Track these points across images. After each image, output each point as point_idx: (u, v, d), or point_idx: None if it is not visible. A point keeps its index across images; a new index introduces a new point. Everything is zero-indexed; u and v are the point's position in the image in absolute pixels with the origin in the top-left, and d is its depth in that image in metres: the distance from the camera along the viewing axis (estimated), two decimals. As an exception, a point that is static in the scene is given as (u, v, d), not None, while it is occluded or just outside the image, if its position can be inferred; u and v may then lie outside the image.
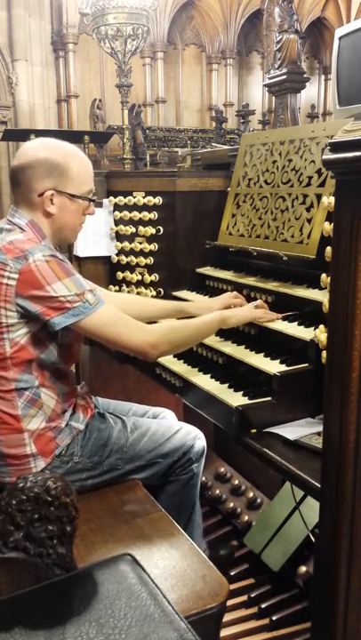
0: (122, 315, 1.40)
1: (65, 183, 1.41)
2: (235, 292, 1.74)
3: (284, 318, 1.54)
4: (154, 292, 2.11)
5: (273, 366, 1.38)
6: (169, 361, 1.68)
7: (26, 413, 1.37)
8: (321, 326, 1.29)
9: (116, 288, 2.23)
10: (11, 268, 1.30)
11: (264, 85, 2.98)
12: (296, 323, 1.48)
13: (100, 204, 2.17)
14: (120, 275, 2.21)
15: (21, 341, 1.34)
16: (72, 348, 1.46)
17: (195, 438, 1.57)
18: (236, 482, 2.11)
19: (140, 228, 2.13)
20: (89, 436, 1.47)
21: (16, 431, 1.37)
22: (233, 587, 1.68)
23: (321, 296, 1.43)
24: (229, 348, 1.56)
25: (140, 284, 2.16)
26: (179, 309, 1.71)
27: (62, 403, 1.44)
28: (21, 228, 1.39)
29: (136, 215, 2.13)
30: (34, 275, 1.29)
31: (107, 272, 2.26)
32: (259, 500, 2.00)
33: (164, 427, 1.57)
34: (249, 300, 1.69)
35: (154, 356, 1.42)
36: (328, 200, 1.44)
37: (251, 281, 1.75)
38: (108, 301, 1.41)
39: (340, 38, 2.22)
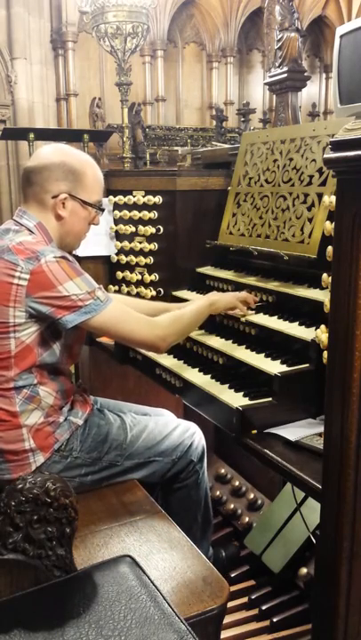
0: (130, 310, 1.43)
1: (79, 189, 1.44)
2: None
3: (256, 311, 1.60)
4: (154, 292, 2.10)
5: (274, 367, 1.37)
6: (169, 361, 1.68)
7: (24, 409, 1.37)
8: (322, 326, 1.29)
9: (116, 288, 2.23)
10: (22, 268, 1.31)
11: (265, 84, 2.96)
12: (297, 323, 1.48)
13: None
14: (120, 274, 2.21)
15: (27, 341, 1.35)
16: (73, 348, 1.47)
17: (192, 435, 1.57)
18: (237, 483, 2.10)
19: (140, 227, 2.12)
20: (88, 432, 1.47)
21: (14, 427, 1.37)
22: (233, 588, 1.68)
23: (322, 296, 1.42)
24: (230, 349, 1.56)
25: (139, 283, 2.16)
26: (164, 311, 1.71)
27: (61, 399, 1.44)
28: (30, 230, 1.41)
29: (136, 214, 2.12)
30: (46, 275, 1.31)
31: (106, 272, 2.26)
32: (259, 502, 1.99)
33: (162, 424, 1.57)
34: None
35: (163, 349, 1.46)
36: (329, 199, 1.43)
37: (251, 281, 1.75)
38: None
39: (341, 37, 2.21)
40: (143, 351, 1.77)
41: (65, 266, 1.33)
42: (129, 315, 1.41)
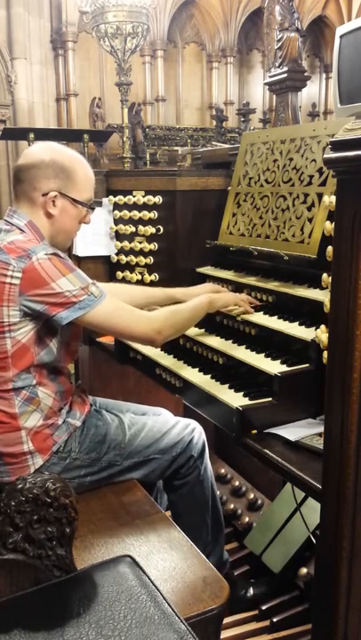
0: (124, 305, 1.43)
1: (69, 187, 1.43)
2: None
3: (257, 309, 1.61)
4: (154, 292, 2.10)
5: (274, 367, 1.37)
6: (169, 360, 1.68)
7: (23, 411, 1.37)
8: (322, 326, 1.29)
9: (116, 287, 2.22)
10: (14, 267, 1.30)
11: (265, 84, 2.97)
12: (297, 323, 1.48)
13: (99, 204, 2.17)
14: (120, 274, 2.21)
15: (23, 340, 1.34)
16: (70, 346, 1.47)
17: (192, 431, 1.56)
18: (237, 483, 2.10)
19: (140, 227, 2.12)
20: (86, 433, 1.47)
21: (13, 429, 1.37)
22: (233, 588, 1.68)
23: (322, 296, 1.42)
24: (230, 349, 1.56)
25: (139, 283, 2.15)
26: (168, 296, 1.73)
27: (59, 401, 1.44)
28: (20, 229, 1.41)
29: (136, 214, 2.12)
30: (38, 273, 1.30)
31: (106, 271, 2.26)
32: (259, 502, 1.99)
33: (161, 422, 1.57)
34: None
35: (159, 342, 1.45)
36: (329, 199, 1.43)
37: (251, 281, 1.75)
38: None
39: (341, 37, 2.21)
40: (143, 351, 1.77)
41: (57, 262, 1.33)
42: (124, 309, 1.40)
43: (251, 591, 1.67)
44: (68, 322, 1.33)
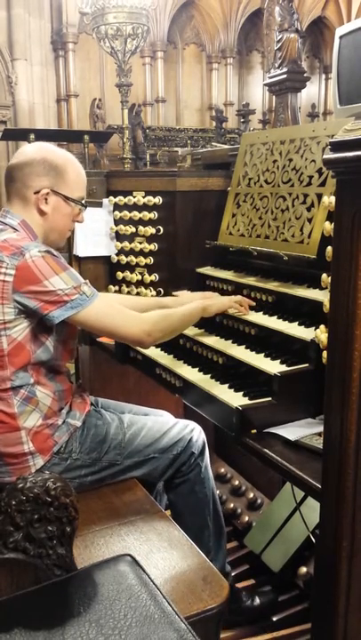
0: (116, 305, 1.44)
1: (61, 184, 1.45)
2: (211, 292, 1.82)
3: (256, 310, 1.62)
4: (154, 292, 2.11)
5: (273, 366, 1.38)
6: (169, 360, 1.68)
7: (22, 411, 1.37)
8: (322, 326, 1.29)
9: (116, 288, 2.23)
10: (7, 264, 1.31)
11: (264, 85, 2.98)
12: (297, 323, 1.48)
13: (99, 204, 2.17)
14: (120, 275, 2.21)
15: (18, 338, 1.35)
16: (67, 344, 1.47)
17: (191, 431, 1.57)
18: (237, 482, 2.11)
19: (140, 227, 2.12)
20: (87, 433, 1.47)
21: (13, 429, 1.37)
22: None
23: (322, 296, 1.43)
24: (230, 349, 1.56)
25: (139, 283, 2.16)
26: (160, 306, 1.73)
27: (58, 400, 1.44)
28: (14, 228, 1.41)
29: (136, 215, 2.12)
30: (31, 270, 1.31)
31: (106, 272, 2.26)
32: (259, 501, 2.00)
33: (160, 422, 1.58)
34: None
35: (148, 344, 1.46)
36: (329, 200, 1.43)
37: (251, 281, 1.75)
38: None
39: (340, 37, 2.22)
40: (143, 351, 1.77)
41: (50, 260, 1.33)
42: (115, 309, 1.41)
43: (257, 600, 1.66)
44: (61, 321, 1.33)
